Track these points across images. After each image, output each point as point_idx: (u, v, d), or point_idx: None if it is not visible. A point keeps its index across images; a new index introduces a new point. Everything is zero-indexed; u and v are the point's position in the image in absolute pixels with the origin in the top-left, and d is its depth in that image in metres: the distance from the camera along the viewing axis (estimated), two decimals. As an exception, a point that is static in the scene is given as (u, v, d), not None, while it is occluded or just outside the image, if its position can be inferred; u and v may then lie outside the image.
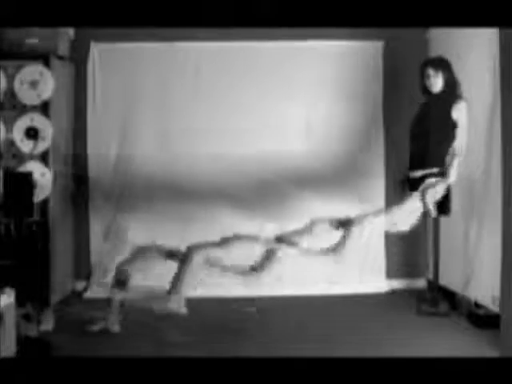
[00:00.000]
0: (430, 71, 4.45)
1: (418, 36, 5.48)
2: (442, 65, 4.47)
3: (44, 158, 4.71)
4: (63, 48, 5.02)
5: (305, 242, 4.17)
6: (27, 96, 4.66)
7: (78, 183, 5.41)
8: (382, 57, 5.53)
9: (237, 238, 4.06)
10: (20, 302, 3.47)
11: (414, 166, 4.54)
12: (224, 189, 5.42)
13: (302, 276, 5.29)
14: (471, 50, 4.61)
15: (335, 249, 4.01)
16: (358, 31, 5.15)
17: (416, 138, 4.60)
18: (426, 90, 4.55)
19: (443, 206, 4.39)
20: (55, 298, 4.85)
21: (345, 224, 4.13)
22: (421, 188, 4.27)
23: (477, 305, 4.36)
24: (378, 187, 5.55)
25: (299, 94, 5.48)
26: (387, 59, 5.53)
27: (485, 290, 4.22)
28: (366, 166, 5.53)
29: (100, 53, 5.44)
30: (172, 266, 3.98)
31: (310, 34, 5.21)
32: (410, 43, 5.50)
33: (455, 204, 4.65)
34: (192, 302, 3.85)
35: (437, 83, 4.45)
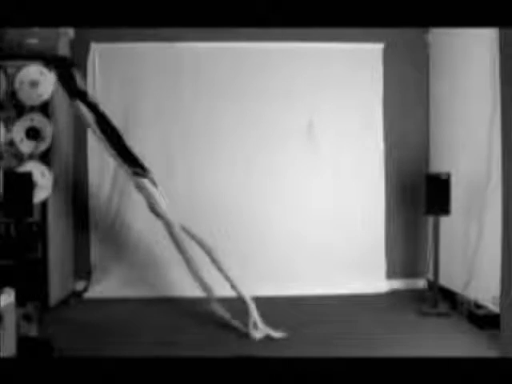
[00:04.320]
0: None
1: (418, 36, 5.50)
2: None
3: (44, 158, 4.71)
4: (63, 48, 5.02)
5: None
6: (27, 96, 4.66)
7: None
8: (383, 58, 5.53)
9: None
10: (20, 301, 3.47)
11: None
12: None
13: (302, 276, 5.31)
14: (471, 51, 4.61)
15: None
16: (358, 33, 5.16)
17: None
18: None
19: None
20: (55, 298, 4.85)
21: None
22: None
23: (477, 305, 4.36)
24: None
25: (299, 96, 5.49)
26: (387, 61, 5.52)
27: (485, 290, 4.22)
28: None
29: (100, 53, 5.45)
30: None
31: (310, 36, 5.24)
32: (410, 44, 5.51)
33: (455, 204, 4.66)
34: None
35: None
